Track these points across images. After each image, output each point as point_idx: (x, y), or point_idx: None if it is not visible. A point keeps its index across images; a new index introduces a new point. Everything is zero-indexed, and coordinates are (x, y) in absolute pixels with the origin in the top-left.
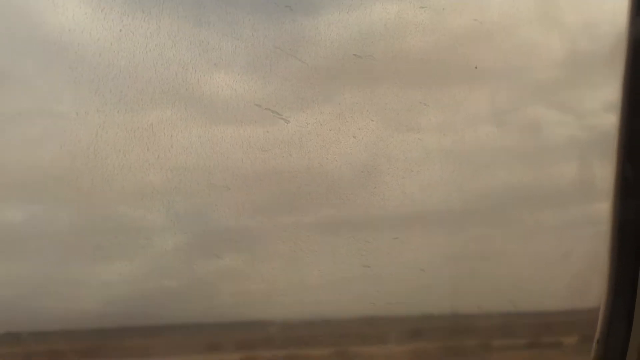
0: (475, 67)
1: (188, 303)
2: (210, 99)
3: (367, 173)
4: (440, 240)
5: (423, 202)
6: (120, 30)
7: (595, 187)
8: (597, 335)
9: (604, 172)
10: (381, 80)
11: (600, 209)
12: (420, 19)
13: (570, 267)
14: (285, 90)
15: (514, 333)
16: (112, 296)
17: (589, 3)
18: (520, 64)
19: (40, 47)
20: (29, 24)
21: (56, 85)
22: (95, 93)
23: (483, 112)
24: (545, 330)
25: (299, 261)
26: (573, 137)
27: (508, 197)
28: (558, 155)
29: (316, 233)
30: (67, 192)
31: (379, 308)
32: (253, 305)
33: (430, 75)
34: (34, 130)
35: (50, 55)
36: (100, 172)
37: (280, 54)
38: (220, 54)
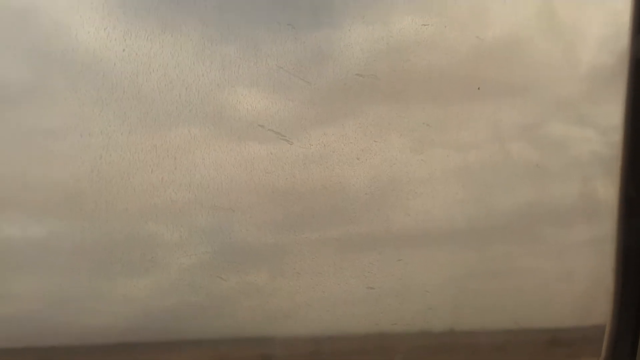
0: (478, 88)
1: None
2: (214, 120)
3: (370, 195)
4: (444, 261)
5: (427, 223)
6: (124, 50)
7: (599, 206)
8: (602, 355)
9: (608, 191)
10: (384, 100)
11: (605, 228)
12: (422, 36)
13: (575, 284)
14: (288, 111)
15: (518, 351)
16: (133, 311)
17: (591, 19)
18: (523, 82)
19: (43, 66)
20: (31, 43)
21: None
22: (99, 115)
23: (486, 132)
24: (550, 348)
25: (302, 281)
26: (578, 155)
27: (512, 217)
28: (562, 174)
29: (320, 254)
30: (86, 209)
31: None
32: (255, 323)
33: (433, 94)
34: (48, 148)
35: (54, 75)
36: (108, 193)
37: (284, 74)
38: (224, 74)
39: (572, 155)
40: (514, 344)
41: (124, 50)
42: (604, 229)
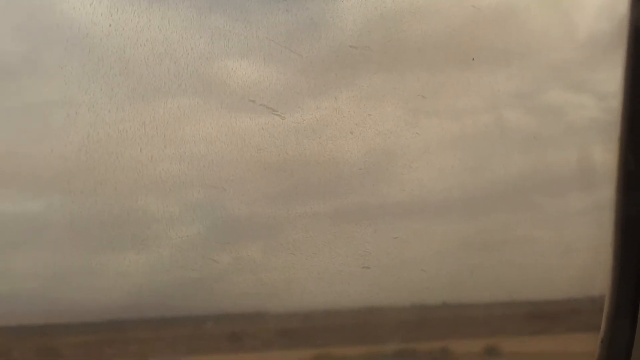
0: (473, 59)
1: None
2: (204, 95)
3: (365, 170)
4: (440, 235)
5: (422, 198)
6: (110, 25)
7: (597, 175)
8: (601, 334)
9: (607, 159)
10: (378, 73)
11: (604, 197)
12: (416, 6)
13: (573, 256)
14: (280, 85)
15: (515, 325)
16: (128, 287)
17: None
18: (520, 51)
19: (28, 43)
20: (15, 19)
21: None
22: (86, 91)
23: (482, 101)
24: (548, 321)
25: (295, 260)
26: (575, 123)
27: (509, 187)
28: (560, 142)
29: (314, 231)
30: (80, 185)
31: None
32: (248, 302)
33: (427, 65)
34: (36, 125)
35: (39, 51)
36: (103, 168)
37: (275, 47)
38: (213, 47)
39: (570, 123)
40: (511, 318)
41: (110, 25)
42: (602, 199)
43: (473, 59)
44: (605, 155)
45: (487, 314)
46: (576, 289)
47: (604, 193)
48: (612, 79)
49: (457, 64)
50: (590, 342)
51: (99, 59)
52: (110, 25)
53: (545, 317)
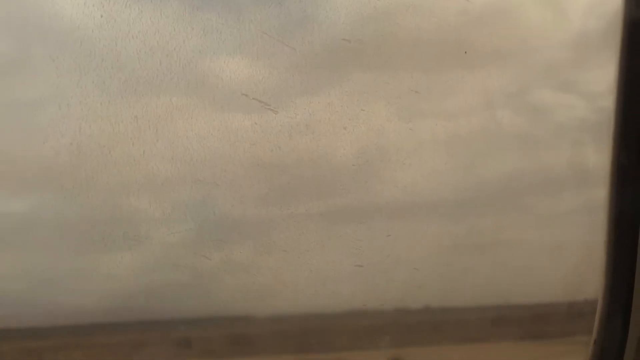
0: (465, 52)
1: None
2: (196, 89)
3: (358, 166)
4: (433, 235)
5: (415, 195)
6: (101, 16)
7: (590, 175)
8: (593, 335)
9: (600, 159)
10: (371, 67)
11: (597, 198)
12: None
13: (565, 257)
14: (273, 79)
15: (507, 327)
16: (117, 289)
17: None
18: (514, 46)
19: (18, 35)
20: (5, 10)
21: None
22: (78, 84)
23: (475, 98)
24: (540, 324)
25: (288, 258)
26: (568, 122)
27: (501, 188)
28: (554, 141)
29: (306, 229)
30: (66, 184)
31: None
32: (241, 301)
33: (421, 60)
34: (26, 121)
35: (30, 43)
36: (89, 165)
37: (268, 40)
38: (205, 40)
39: (562, 122)
40: (503, 320)
41: (101, 16)
42: (595, 199)
43: (465, 52)
44: (598, 155)
45: (479, 317)
46: (569, 291)
47: (597, 193)
48: (604, 78)
49: (451, 60)
50: (582, 344)
51: (91, 51)
52: (101, 17)
53: (538, 319)
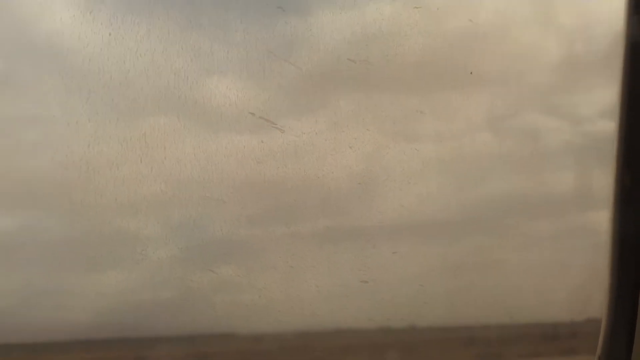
0: (471, 73)
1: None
2: (204, 107)
3: (363, 184)
4: (438, 253)
5: (421, 214)
6: (110, 34)
7: (593, 196)
8: (597, 353)
9: (602, 180)
10: (376, 86)
11: (600, 219)
12: (414, 19)
13: (569, 277)
14: (279, 98)
15: (513, 346)
16: (105, 307)
17: (585, 4)
18: (517, 67)
19: (27, 52)
20: (15, 27)
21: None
22: (87, 101)
23: (480, 119)
24: (545, 343)
25: (294, 274)
26: (571, 143)
27: (506, 207)
28: (558, 163)
29: (312, 246)
30: (60, 202)
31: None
32: (248, 318)
33: (425, 80)
34: (26, 138)
35: (40, 60)
36: (94, 183)
37: (274, 59)
38: (212, 59)
39: (567, 143)
40: (509, 339)
41: (110, 34)
42: (599, 220)
43: (471, 72)
44: (602, 177)
45: (483, 335)
46: (573, 310)
47: (601, 214)
48: (607, 99)
49: (455, 80)
50: None
51: (99, 68)
52: (110, 34)
53: (542, 339)
